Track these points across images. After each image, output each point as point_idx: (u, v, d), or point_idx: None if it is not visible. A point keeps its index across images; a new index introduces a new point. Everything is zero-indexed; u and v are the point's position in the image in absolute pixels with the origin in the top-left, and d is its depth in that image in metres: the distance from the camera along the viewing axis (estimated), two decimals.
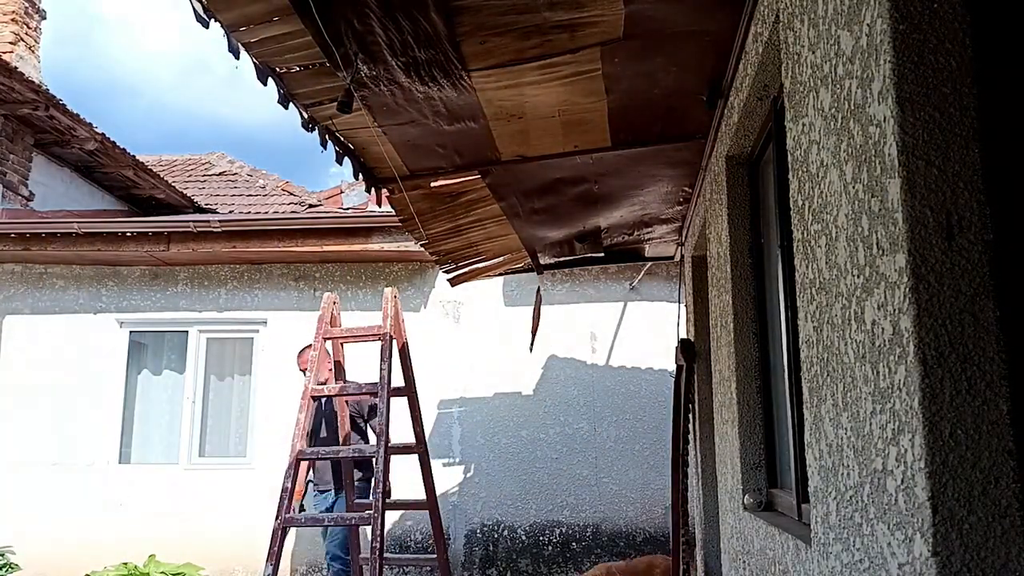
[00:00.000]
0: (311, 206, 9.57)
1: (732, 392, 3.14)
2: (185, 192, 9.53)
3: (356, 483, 5.64)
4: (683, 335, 5.79)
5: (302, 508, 5.49)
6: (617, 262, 6.42)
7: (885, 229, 1.30)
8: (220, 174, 11.11)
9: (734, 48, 2.82)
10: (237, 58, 2.50)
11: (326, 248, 6.87)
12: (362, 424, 5.93)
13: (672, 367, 6.73)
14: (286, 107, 2.87)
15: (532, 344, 6.40)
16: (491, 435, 7.21)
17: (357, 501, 5.58)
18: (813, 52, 1.75)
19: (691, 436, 5.04)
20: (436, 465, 6.83)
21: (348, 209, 8.63)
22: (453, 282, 5.78)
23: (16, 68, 7.21)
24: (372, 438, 5.64)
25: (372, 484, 5.20)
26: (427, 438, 6.18)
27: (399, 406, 6.34)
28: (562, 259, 6.02)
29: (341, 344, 5.97)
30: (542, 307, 6.30)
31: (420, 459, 5.84)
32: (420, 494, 5.99)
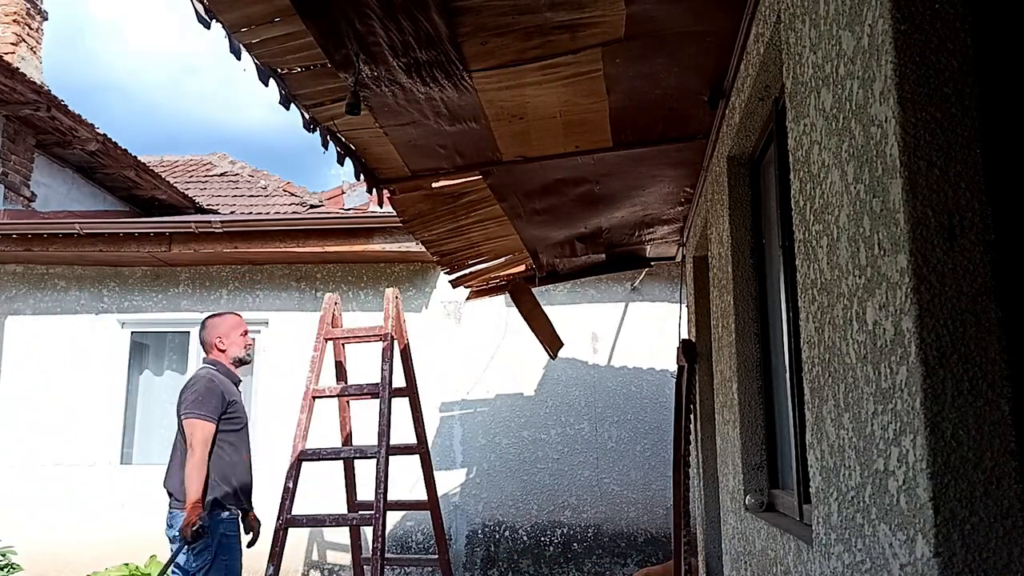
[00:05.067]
0: (313, 207, 9.58)
1: (733, 393, 3.14)
2: (187, 193, 9.53)
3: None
4: (684, 336, 5.79)
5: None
6: (618, 270, 6.41)
7: (887, 229, 1.30)
8: (221, 175, 11.11)
9: (735, 48, 2.82)
10: (239, 59, 2.50)
11: (328, 249, 6.87)
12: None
13: (673, 368, 6.73)
14: (287, 108, 2.87)
15: (555, 353, 6.29)
16: (492, 436, 7.21)
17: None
18: (814, 52, 1.75)
19: (692, 437, 5.04)
20: (437, 466, 6.84)
21: (350, 210, 8.64)
22: (455, 284, 5.78)
23: (18, 69, 7.22)
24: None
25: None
26: (428, 439, 6.18)
27: (400, 406, 6.35)
28: (564, 272, 6.01)
29: (342, 345, 5.98)
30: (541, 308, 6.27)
31: (421, 459, 5.85)
32: (421, 495, 6.00)
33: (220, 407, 3.98)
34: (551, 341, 6.11)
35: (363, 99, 2.90)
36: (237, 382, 4.27)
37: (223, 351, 4.22)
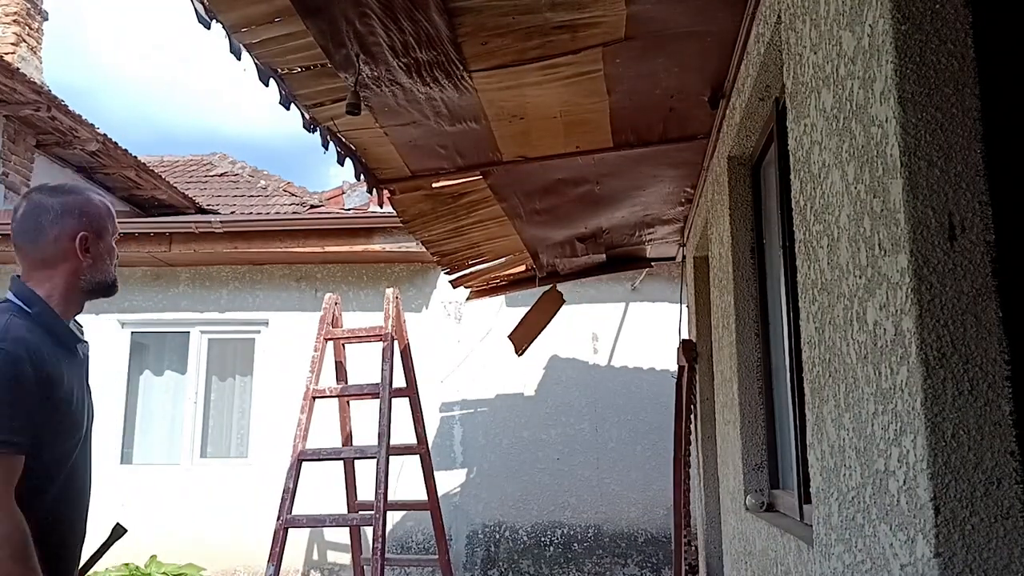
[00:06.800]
0: (313, 207, 9.57)
1: (734, 393, 3.14)
2: (187, 193, 9.52)
3: None
4: (685, 336, 5.78)
5: None
6: (619, 270, 6.40)
7: (887, 230, 1.30)
8: (221, 175, 11.10)
9: (736, 49, 2.82)
10: (239, 59, 2.50)
11: (328, 249, 6.87)
12: None
13: (674, 368, 6.73)
14: (288, 108, 2.87)
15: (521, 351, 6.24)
16: (493, 436, 7.21)
17: None
18: (815, 52, 1.75)
19: (693, 437, 5.04)
20: (437, 466, 6.84)
21: (350, 210, 8.63)
22: (455, 284, 5.78)
23: (18, 69, 7.22)
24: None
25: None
26: (428, 439, 6.18)
27: (401, 407, 6.34)
28: (564, 273, 6.00)
29: (343, 345, 5.98)
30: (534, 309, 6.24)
31: (421, 460, 5.85)
32: (422, 495, 6.00)
33: (29, 413, 1.68)
34: (524, 341, 6.06)
35: (363, 99, 2.90)
36: (68, 339, 1.85)
37: (72, 266, 1.85)
